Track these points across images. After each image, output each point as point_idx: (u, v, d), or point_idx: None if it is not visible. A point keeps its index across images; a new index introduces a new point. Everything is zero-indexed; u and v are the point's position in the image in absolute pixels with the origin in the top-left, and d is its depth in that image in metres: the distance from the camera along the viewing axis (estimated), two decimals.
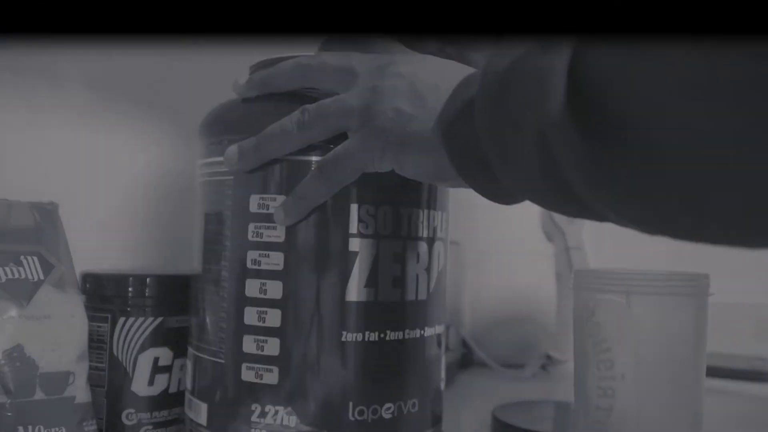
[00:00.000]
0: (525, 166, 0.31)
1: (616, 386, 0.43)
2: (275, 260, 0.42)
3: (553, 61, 0.27)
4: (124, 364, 0.49)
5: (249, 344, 0.42)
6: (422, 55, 0.44)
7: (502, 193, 0.37)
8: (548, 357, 0.90)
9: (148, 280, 0.50)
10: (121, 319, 0.49)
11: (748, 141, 0.22)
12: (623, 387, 0.43)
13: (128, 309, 0.49)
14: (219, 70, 0.72)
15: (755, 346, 0.89)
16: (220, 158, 0.44)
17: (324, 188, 0.41)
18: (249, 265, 0.42)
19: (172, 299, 0.50)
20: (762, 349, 0.89)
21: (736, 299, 0.95)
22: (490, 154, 0.33)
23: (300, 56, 0.44)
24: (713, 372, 0.92)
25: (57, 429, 0.42)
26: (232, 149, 0.43)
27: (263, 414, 0.41)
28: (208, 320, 0.44)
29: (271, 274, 0.42)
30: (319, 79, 0.43)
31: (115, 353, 0.49)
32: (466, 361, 0.88)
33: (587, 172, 0.28)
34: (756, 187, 0.23)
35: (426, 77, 0.39)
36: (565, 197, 0.31)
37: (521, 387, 0.84)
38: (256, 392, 0.42)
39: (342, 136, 0.41)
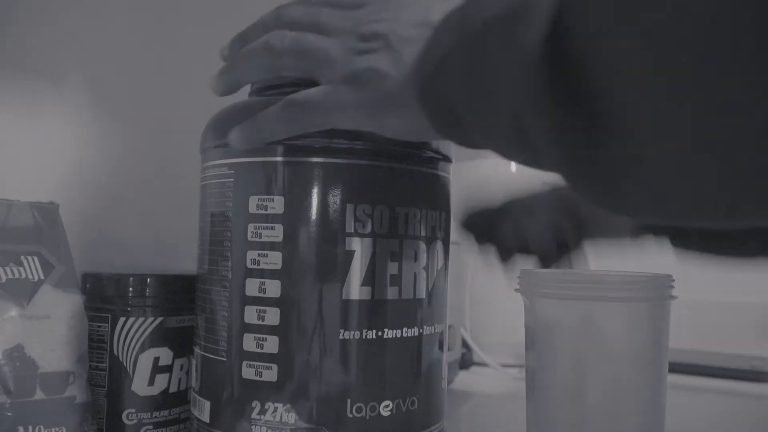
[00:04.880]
0: (498, 134, 0.31)
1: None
2: (273, 260, 0.42)
3: (530, 28, 0.25)
4: (125, 364, 0.49)
5: (249, 342, 0.42)
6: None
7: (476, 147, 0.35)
8: None
9: (148, 280, 0.50)
10: (122, 319, 0.49)
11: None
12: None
13: (128, 309, 0.49)
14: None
15: (755, 346, 0.89)
16: (224, 161, 0.44)
17: (284, 128, 0.40)
18: (248, 264, 0.43)
19: (172, 299, 0.51)
20: (762, 349, 0.89)
21: (736, 299, 0.95)
22: (465, 118, 0.32)
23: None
24: (713, 372, 0.92)
25: (57, 429, 0.42)
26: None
27: (263, 411, 0.42)
28: (212, 319, 0.45)
29: (270, 274, 0.42)
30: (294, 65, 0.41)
31: (115, 353, 0.49)
32: (466, 361, 0.88)
33: (560, 149, 0.27)
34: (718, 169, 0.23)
35: (402, 29, 0.36)
36: (538, 164, 0.30)
37: (521, 387, 0.84)
38: (256, 389, 0.42)
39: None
